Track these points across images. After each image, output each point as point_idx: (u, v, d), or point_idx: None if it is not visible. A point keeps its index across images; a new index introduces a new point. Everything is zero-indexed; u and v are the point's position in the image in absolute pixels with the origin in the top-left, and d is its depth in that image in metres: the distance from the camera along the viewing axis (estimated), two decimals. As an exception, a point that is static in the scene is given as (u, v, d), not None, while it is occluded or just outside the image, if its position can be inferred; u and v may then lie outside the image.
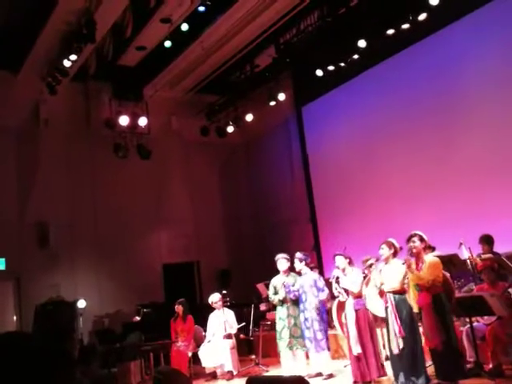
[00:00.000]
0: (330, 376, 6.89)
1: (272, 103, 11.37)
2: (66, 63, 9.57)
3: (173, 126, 12.52)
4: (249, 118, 11.95)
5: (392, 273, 5.94)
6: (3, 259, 10.24)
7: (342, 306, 6.89)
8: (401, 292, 5.85)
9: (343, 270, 6.62)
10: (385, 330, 6.72)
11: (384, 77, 10.13)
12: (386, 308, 5.94)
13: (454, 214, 8.51)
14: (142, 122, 11.37)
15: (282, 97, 11.22)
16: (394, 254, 6.04)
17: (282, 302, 7.34)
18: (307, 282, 7.20)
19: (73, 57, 9.38)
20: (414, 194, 9.39)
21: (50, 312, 10.00)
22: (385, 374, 6.32)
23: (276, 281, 7.50)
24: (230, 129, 12.32)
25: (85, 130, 11.53)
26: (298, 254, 7.34)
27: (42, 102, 10.91)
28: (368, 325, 6.42)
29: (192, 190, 12.94)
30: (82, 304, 10.55)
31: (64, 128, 11.21)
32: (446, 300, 5.58)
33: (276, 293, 7.41)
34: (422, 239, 5.84)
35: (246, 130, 12.54)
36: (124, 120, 11.15)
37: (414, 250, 5.85)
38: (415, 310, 5.75)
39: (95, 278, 11.16)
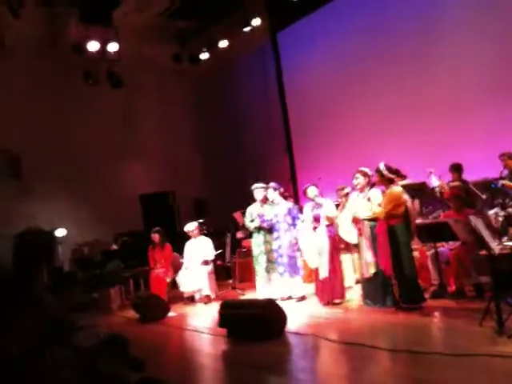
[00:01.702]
0: (302, 298, 7.23)
1: (247, 29, 11.04)
2: (29, -16, 9.06)
3: (144, 52, 12.10)
4: (223, 44, 11.61)
5: (366, 201, 6.11)
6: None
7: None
8: (374, 219, 6.05)
9: (313, 200, 6.85)
10: (356, 256, 7.04)
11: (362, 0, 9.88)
12: (360, 235, 6.17)
13: (426, 143, 8.62)
14: (112, 47, 10.94)
15: (256, 22, 10.88)
16: (368, 183, 6.20)
17: (259, 229, 7.54)
18: (281, 210, 7.39)
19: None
20: (388, 123, 9.43)
21: (28, 241, 10.10)
22: (344, 297, 6.72)
23: (253, 209, 7.67)
24: (204, 55, 11.99)
25: (53, 58, 11.10)
26: (272, 184, 7.57)
27: (7, 27, 10.38)
28: (336, 251, 6.72)
29: (166, 120, 12.77)
30: (61, 232, 10.65)
31: (31, 55, 10.80)
32: (402, 232, 5.79)
33: (252, 220, 7.61)
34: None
35: (220, 57, 12.21)
36: (93, 45, 10.72)
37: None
38: None
39: (73, 207, 11.19)
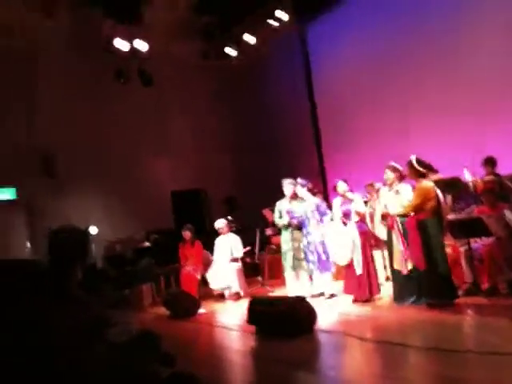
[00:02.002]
0: (332, 296, 7.17)
1: (273, 22, 10.98)
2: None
3: (172, 49, 12.18)
4: (249, 38, 11.52)
5: (397, 196, 6.04)
6: (14, 189, 10.47)
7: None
8: (404, 215, 5.97)
9: (343, 196, 6.80)
10: (386, 252, 6.96)
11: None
12: (390, 231, 6.09)
13: (459, 139, 8.44)
14: (143, 45, 11.03)
15: (283, 15, 10.82)
16: (399, 178, 6.13)
17: (287, 226, 7.51)
18: (309, 207, 7.35)
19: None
20: (420, 119, 9.24)
21: (63, 239, 10.32)
22: (380, 291, 6.66)
23: (281, 205, 7.63)
24: (231, 51, 11.97)
25: (85, 58, 11.28)
26: (299, 180, 7.52)
27: (40, 28, 10.61)
28: (369, 247, 6.66)
29: (196, 117, 12.84)
30: (94, 231, 10.85)
31: (64, 55, 11.02)
32: (433, 226, 5.70)
33: (281, 217, 7.57)
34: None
35: (248, 52, 12.15)
36: (123, 44, 10.83)
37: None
38: None
39: (105, 205, 11.37)
